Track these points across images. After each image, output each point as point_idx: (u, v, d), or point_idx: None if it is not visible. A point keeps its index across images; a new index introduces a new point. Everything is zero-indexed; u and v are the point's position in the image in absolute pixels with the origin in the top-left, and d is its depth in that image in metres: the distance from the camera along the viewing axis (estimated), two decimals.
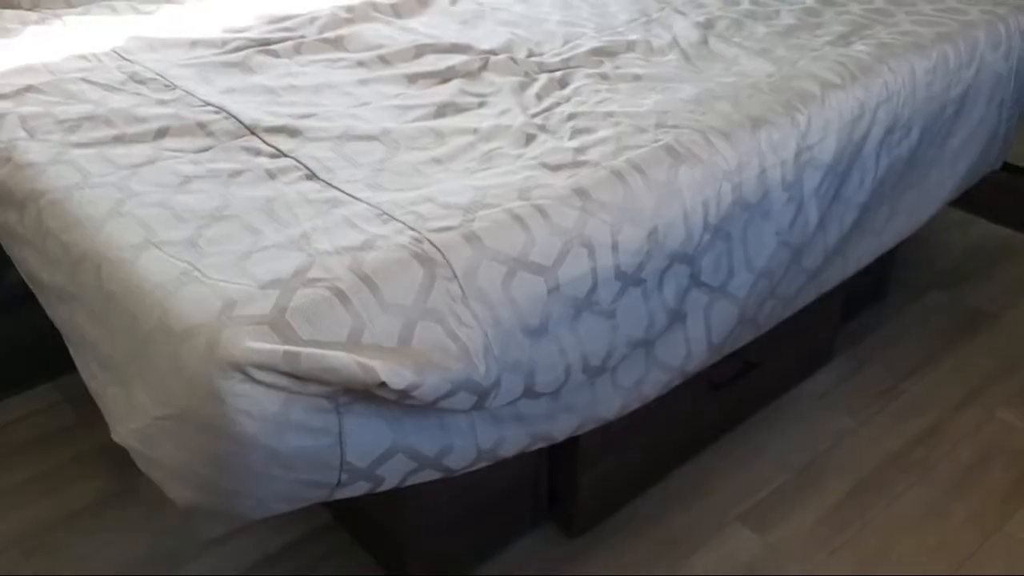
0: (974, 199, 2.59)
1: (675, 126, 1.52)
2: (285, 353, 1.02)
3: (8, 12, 2.03)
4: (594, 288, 1.31)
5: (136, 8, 2.10)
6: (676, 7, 2.10)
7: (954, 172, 2.00)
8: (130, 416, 1.17)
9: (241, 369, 1.01)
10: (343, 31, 1.96)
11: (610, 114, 1.59)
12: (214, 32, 1.98)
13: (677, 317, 1.46)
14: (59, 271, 1.32)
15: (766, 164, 1.53)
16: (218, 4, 2.14)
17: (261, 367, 1.01)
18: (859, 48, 1.81)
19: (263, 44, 1.90)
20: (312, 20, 2.00)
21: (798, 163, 1.58)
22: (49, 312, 1.42)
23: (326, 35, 1.94)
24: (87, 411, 1.97)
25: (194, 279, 1.13)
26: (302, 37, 1.93)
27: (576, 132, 1.54)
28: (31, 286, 1.46)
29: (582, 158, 1.43)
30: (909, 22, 1.95)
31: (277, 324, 1.05)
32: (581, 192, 1.33)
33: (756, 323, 1.63)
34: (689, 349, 1.50)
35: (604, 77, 1.77)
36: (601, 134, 1.52)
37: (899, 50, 1.81)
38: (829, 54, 1.79)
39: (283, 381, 1.03)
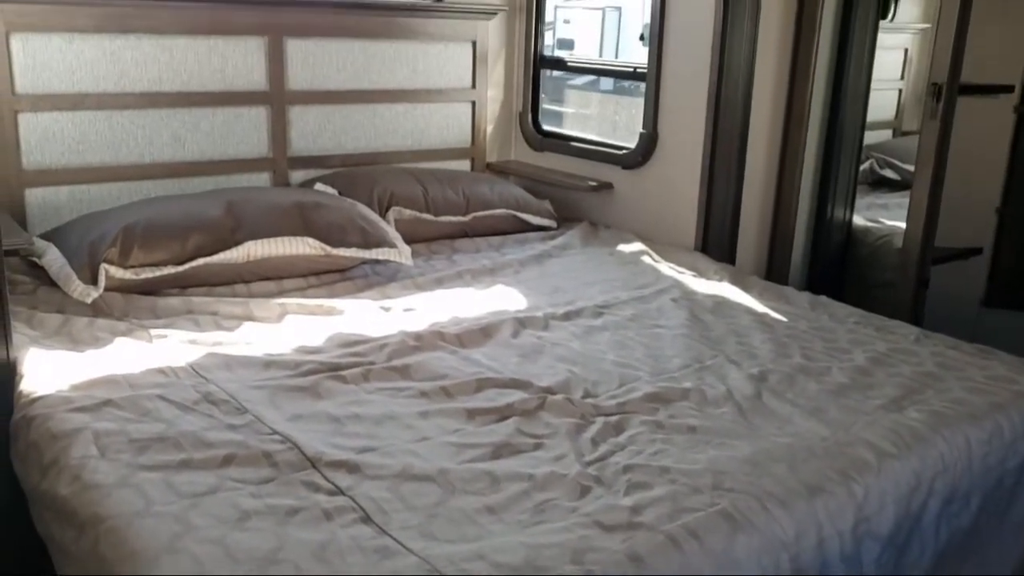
0: None
1: (731, 489, 1.53)
2: None
3: (101, 321, 2.18)
4: None
5: (218, 323, 2.24)
6: (729, 356, 2.18)
7: (1017, 544, 1.94)
8: None
9: None
10: (410, 359, 2.06)
11: (665, 469, 1.61)
12: (288, 351, 2.09)
13: None
14: None
15: (824, 534, 1.51)
16: (295, 322, 2.28)
17: None
18: (912, 415, 1.84)
19: (333, 369, 1.99)
20: (382, 347, 2.11)
21: (856, 534, 1.55)
22: None
23: (394, 363, 2.04)
24: None
25: None
26: (371, 364, 2.02)
27: (631, 487, 1.55)
28: None
29: (637, 519, 1.43)
30: (960, 389, 1.98)
31: None
32: (636, 558, 1.32)
33: None
34: None
35: (659, 426, 1.80)
36: (656, 492, 1.52)
37: (953, 420, 1.83)
38: (882, 420, 1.82)
39: None
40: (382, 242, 2.63)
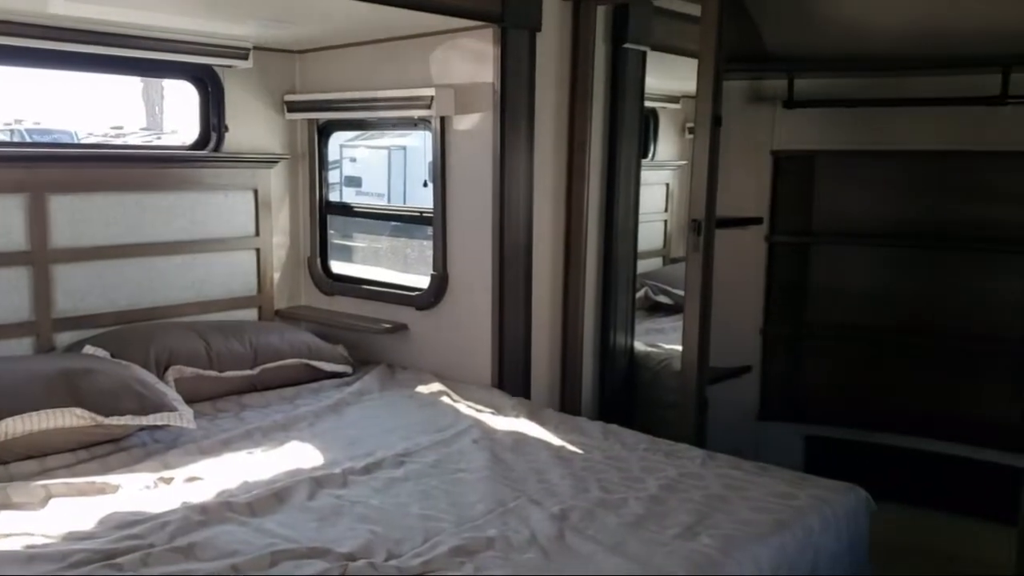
0: None
1: None
2: None
3: None
4: None
5: None
6: (531, 496, 2.18)
7: None
8: None
9: None
10: (195, 537, 1.90)
11: None
12: (54, 540, 1.88)
13: None
14: None
15: None
16: (62, 506, 2.06)
17: None
18: (705, 541, 1.90)
19: (108, 557, 1.80)
20: (163, 525, 1.94)
21: None
22: None
23: (176, 542, 1.87)
24: None
25: None
26: (150, 547, 1.85)
27: None
28: None
29: None
30: (746, 509, 2.08)
31: None
32: None
33: None
34: None
35: None
36: None
37: (742, 542, 1.91)
38: (680, 549, 1.87)
39: None
40: (160, 406, 2.47)
